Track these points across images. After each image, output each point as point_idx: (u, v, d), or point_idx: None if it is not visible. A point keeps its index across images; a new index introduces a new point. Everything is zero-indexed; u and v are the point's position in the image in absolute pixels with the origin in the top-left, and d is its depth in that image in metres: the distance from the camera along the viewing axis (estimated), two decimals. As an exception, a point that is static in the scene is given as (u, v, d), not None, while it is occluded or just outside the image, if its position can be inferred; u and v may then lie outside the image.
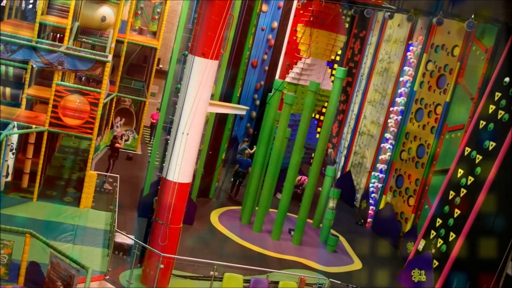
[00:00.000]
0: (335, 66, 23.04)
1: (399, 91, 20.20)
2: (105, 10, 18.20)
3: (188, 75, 12.19)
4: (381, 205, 20.16)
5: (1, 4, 17.99)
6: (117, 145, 18.70)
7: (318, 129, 24.03)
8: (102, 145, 21.73)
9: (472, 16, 16.22)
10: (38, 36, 15.73)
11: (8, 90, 16.13)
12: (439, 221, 15.67)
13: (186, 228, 15.95)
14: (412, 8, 19.34)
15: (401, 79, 20.31)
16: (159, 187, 13.22)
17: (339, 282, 14.13)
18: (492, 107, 15.03)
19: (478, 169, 14.87)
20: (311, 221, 19.12)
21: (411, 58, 20.06)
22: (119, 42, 20.89)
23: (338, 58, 25.11)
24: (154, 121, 24.74)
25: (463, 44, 17.71)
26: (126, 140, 20.76)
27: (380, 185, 20.56)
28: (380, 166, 20.55)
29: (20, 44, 15.01)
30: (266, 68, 23.69)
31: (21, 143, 15.97)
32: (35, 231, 11.19)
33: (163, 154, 16.41)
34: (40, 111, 16.68)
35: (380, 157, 20.60)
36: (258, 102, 23.93)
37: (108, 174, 18.23)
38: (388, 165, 20.23)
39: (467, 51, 17.48)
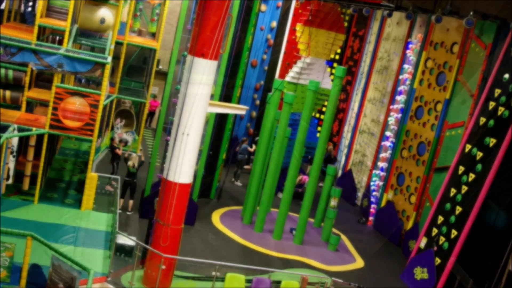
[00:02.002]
0: (335, 65, 23.09)
1: (399, 89, 20.20)
2: (104, 12, 18.18)
3: (188, 76, 12.20)
4: (383, 203, 20.16)
5: (1, 7, 18.00)
6: (117, 151, 18.64)
7: (319, 128, 24.05)
8: (102, 147, 21.74)
9: (471, 13, 16.20)
10: (38, 39, 15.71)
11: (8, 93, 16.15)
12: (440, 219, 15.66)
13: (188, 229, 15.97)
14: (411, 6, 19.32)
15: (400, 77, 20.31)
16: (160, 188, 13.22)
17: (341, 281, 14.11)
18: (492, 104, 15.02)
19: (479, 166, 14.87)
20: (312, 220, 19.13)
21: (410, 56, 20.05)
22: (118, 44, 20.87)
23: (337, 57, 25.14)
24: (153, 108, 25.74)
25: (462, 41, 17.70)
26: (125, 144, 20.72)
27: (381, 183, 20.56)
28: (381, 164, 20.54)
29: (19, 47, 14.97)
30: (266, 67, 23.69)
31: (22, 145, 15.97)
32: (37, 233, 11.16)
33: (164, 155, 16.40)
34: (40, 114, 16.68)
35: (381, 155, 20.60)
36: (258, 102, 23.93)
37: (110, 176, 18.21)
38: (389, 163, 20.23)
39: (466, 48, 17.46)
